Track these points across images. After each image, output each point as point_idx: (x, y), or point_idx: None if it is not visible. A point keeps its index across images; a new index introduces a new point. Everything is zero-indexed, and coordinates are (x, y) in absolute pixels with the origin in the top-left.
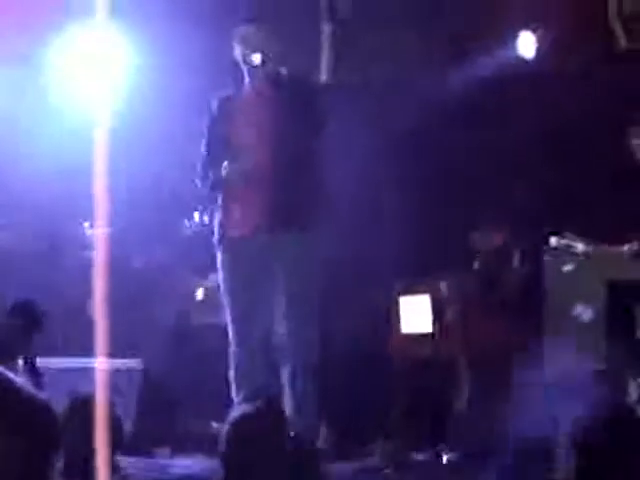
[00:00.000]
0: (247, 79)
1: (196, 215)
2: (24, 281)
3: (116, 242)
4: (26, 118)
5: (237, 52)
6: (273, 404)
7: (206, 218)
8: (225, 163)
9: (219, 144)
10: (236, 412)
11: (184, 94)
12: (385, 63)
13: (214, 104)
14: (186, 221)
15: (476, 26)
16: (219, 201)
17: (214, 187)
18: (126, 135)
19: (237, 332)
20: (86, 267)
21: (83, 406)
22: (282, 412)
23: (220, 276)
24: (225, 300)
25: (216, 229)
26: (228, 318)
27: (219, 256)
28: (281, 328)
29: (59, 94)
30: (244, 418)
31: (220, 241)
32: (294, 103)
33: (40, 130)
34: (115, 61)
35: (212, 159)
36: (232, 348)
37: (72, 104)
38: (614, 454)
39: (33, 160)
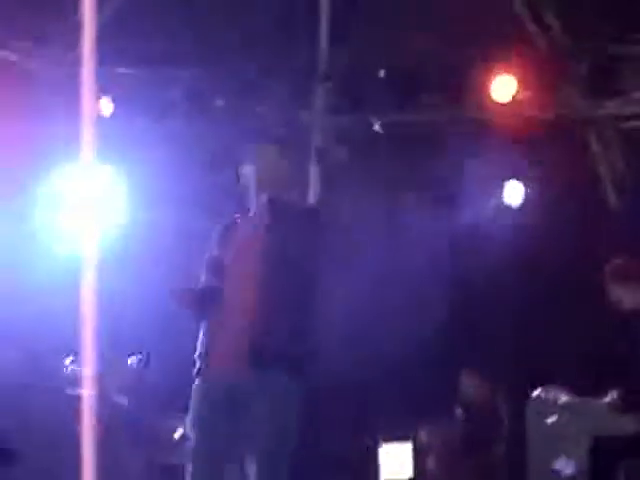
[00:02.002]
0: (252, 205)
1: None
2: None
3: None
4: (15, 257)
5: (246, 171)
6: None
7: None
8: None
9: (213, 269)
10: None
11: (177, 230)
12: (372, 204)
13: (217, 231)
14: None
15: (460, 172)
16: (202, 331)
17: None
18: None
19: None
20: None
21: None
22: None
23: (191, 408)
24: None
25: (197, 361)
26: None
27: (194, 388)
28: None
29: (48, 234)
30: None
31: (197, 373)
32: (289, 232)
33: (29, 268)
34: (104, 200)
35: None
36: None
37: (61, 244)
38: None
39: (20, 295)
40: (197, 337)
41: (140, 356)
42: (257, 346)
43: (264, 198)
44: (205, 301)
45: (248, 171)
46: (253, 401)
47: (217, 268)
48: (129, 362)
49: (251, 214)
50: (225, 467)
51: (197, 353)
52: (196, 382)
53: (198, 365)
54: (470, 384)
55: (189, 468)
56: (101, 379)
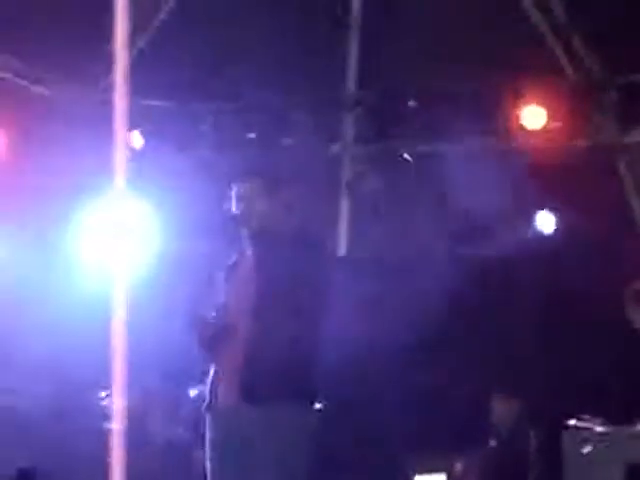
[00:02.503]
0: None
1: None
2: (37, 449)
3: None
4: (46, 285)
5: (235, 209)
6: None
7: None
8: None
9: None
10: None
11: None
12: (401, 240)
13: (220, 275)
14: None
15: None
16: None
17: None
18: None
19: None
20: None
21: None
22: None
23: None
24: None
25: (207, 395)
26: None
27: (206, 425)
28: None
29: (76, 264)
30: None
31: (207, 409)
32: (283, 262)
33: (59, 298)
34: (136, 232)
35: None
36: None
37: (89, 274)
38: None
39: (52, 327)
40: None
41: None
42: (247, 378)
43: (245, 234)
44: (217, 339)
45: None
46: (257, 441)
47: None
48: (191, 394)
49: (245, 251)
50: None
51: (208, 388)
52: (207, 418)
53: (208, 399)
54: (502, 408)
55: None
56: (143, 412)
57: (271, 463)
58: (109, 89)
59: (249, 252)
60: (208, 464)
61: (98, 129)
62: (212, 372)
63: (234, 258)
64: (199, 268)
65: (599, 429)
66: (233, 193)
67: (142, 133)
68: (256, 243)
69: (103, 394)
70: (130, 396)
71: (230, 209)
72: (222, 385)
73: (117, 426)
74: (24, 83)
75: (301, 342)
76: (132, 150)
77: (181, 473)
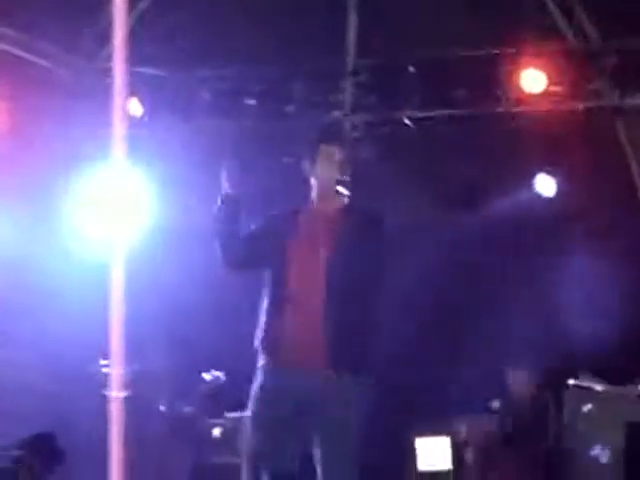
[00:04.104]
0: (317, 198)
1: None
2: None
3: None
4: (40, 258)
5: (321, 169)
6: None
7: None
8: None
9: (264, 239)
10: None
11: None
12: (403, 200)
13: (278, 215)
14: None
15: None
16: (262, 322)
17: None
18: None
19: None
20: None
21: None
22: None
23: (252, 404)
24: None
25: (259, 354)
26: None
27: (258, 381)
28: None
29: (75, 234)
30: None
31: (262, 367)
32: (363, 238)
33: (55, 270)
34: (132, 200)
35: (247, 238)
36: None
37: (88, 244)
38: None
39: (54, 298)
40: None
41: (220, 376)
42: (333, 349)
43: (337, 203)
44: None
45: (310, 168)
46: (326, 406)
47: (272, 246)
48: (206, 377)
49: (314, 209)
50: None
51: (260, 340)
52: (263, 376)
53: (262, 354)
54: (520, 381)
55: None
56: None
57: (336, 421)
58: (108, 59)
59: (330, 218)
60: (258, 417)
61: (97, 99)
62: (263, 324)
63: (293, 209)
64: (197, 238)
65: (600, 388)
66: (320, 154)
67: (141, 101)
68: (346, 214)
69: (103, 362)
70: (131, 366)
71: (309, 170)
72: (287, 343)
73: (116, 394)
74: (22, 54)
75: (370, 319)
76: (131, 118)
77: (187, 442)
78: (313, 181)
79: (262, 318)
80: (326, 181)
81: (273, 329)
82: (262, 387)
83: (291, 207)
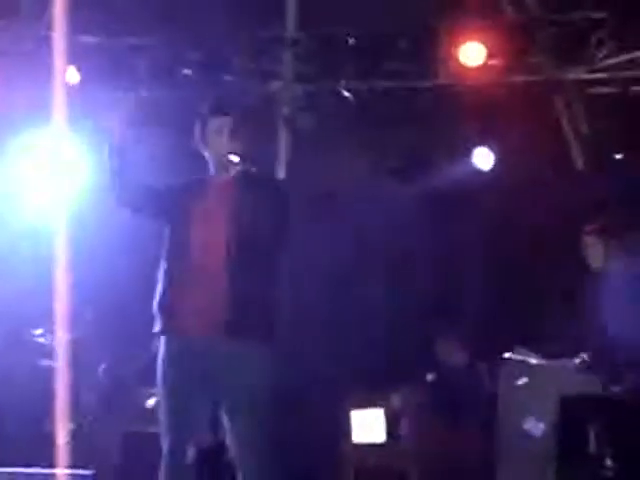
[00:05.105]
0: (214, 170)
1: None
2: None
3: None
4: None
5: (211, 142)
6: None
7: None
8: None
9: (167, 196)
10: None
11: None
12: (341, 172)
13: (183, 181)
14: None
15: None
16: (160, 287)
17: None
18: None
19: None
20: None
21: None
22: None
23: (159, 373)
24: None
25: (157, 319)
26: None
27: (160, 350)
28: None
29: (16, 198)
30: None
31: (161, 334)
32: (260, 204)
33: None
34: (72, 164)
35: (154, 190)
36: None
37: (29, 209)
38: None
39: None
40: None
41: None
42: (235, 316)
43: (232, 171)
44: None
45: (201, 141)
46: (227, 372)
47: (162, 192)
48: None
49: (217, 180)
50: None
51: (157, 303)
52: (162, 341)
53: (161, 320)
54: (449, 351)
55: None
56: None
57: (240, 387)
58: (48, 25)
59: (228, 185)
60: (166, 385)
61: (35, 65)
62: (162, 286)
63: (198, 178)
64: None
65: (534, 362)
66: (209, 127)
67: (78, 69)
68: (242, 180)
69: (38, 331)
70: (70, 331)
71: (200, 143)
72: (185, 308)
73: (59, 363)
74: None
75: (273, 286)
76: (68, 86)
77: (126, 407)
78: (207, 154)
79: (162, 283)
80: (216, 153)
81: (175, 295)
82: (167, 355)
83: (195, 177)
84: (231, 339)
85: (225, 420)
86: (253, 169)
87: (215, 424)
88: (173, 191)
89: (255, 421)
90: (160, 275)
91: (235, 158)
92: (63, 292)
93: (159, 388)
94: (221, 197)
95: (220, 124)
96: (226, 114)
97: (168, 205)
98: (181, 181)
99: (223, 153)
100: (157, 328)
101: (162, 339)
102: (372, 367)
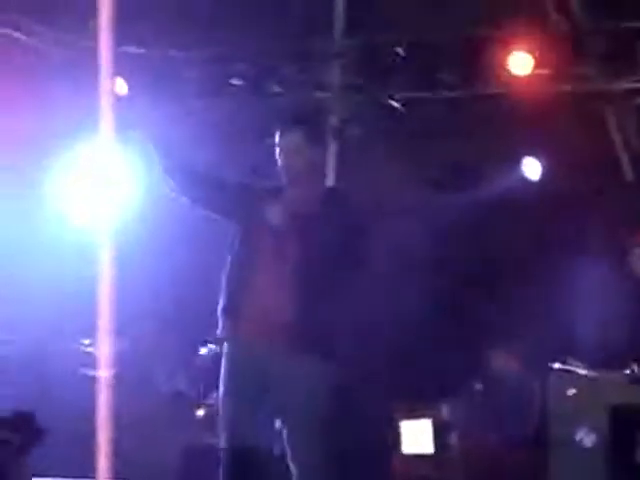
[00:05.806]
0: (286, 181)
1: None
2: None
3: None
4: (29, 240)
5: (285, 155)
6: None
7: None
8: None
9: (247, 196)
10: None
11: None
12: (391, 183)
13: (260, 187)
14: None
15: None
16: (225, 292)
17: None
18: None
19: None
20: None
21: None
22: None
23: (221, 377)
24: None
25: (222, 324)
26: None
27: (223, 354)
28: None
29: (64, 214)
30: None
31: (225, 339)
32: (333, 221)
33: (42, 247)
34: (120, 181)
35: (226, 186)
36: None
37: (76, 225)
38: None
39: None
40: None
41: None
42: (298, 329)
43: (319, 188)
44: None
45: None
46: (287, 386)
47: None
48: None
49: (291, 194)
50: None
51: (221, 308)
52: (225, 345)
53: (223, 325)
54: (501, 362)
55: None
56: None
57: (299, 401)
58: (93, 37)
59: (300, 206)
60: (227, 389)
61: (81, 77)
62: (227, 291)
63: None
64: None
65: (583, 372)
66: (282, 140)
67: (126, 80)
68: (328, 198)
69: (86, 341)
70: (120, 343)
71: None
72: (250, 316)
73: (104, 373)
74: (2, 31)
75: (338, 304)
76: (117, 97)
77: (185, 423)
78: (280, 164)
79: (228, 287)
80: (286, 169)
81: (241, 301)
82: (230, 359)
83: (272, 185)
84: (294, 353)
85: (282, 431)
86: (327, 185)
87: (271, 432)
88: (249, 192)
89: (312, 438)
90: (225, 279)
91: (306, 172)
92: (107, 306)
93: (220, 392)
94: (294, 212)
95: (289, 140)
96: (300, 128)
97: (239, 202)
98: (258, 185)
99: (293, 169)
100: (221, 332)
101: (225, 344)
102: (421, 378)
